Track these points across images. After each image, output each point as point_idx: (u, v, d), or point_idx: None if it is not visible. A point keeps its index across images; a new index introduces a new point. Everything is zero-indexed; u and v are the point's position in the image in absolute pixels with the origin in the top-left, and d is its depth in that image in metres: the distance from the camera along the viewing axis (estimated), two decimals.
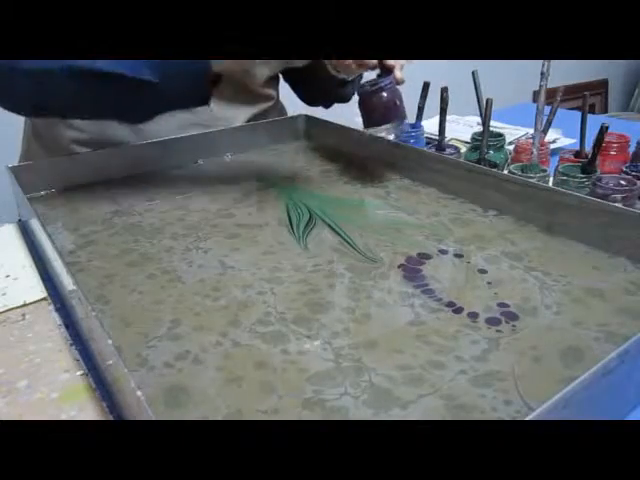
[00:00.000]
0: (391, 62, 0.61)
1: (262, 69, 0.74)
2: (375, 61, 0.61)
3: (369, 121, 0.64)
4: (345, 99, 0.83)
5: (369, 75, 0.66)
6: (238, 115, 0.77)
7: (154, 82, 0.49)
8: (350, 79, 0.74)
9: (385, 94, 0.61)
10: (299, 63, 0.64)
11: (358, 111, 0.65)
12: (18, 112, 0.56)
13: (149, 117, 0.58)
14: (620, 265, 0.47)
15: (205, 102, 0.54)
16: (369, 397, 0.33)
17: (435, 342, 0.38)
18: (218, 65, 0.62)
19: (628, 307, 0.41)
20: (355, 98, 0.81)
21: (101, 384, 0.37)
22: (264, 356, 0.37)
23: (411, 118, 0.70)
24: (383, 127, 0.63)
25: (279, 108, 0.86)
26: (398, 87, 0.63)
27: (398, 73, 0.62)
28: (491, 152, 0.69)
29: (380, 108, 0.62)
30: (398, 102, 0.62)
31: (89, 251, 0.51)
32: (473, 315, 0.40)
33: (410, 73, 0.66)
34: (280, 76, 0.84)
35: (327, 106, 0.87)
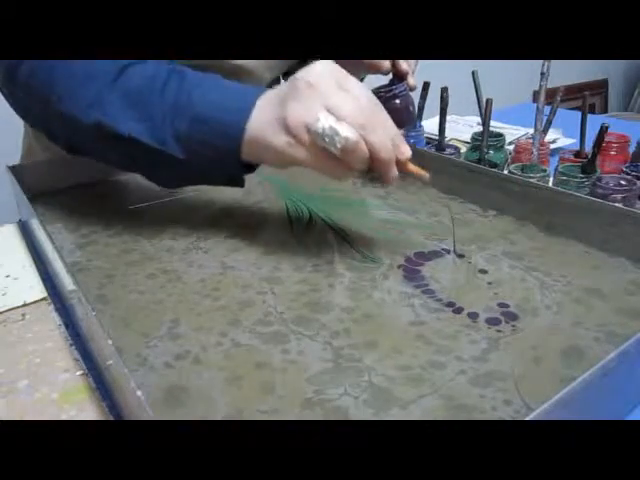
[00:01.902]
0: (404, 68, 0.61)
1: (265, 73, 0.74)
2: (388, 66, 0.61)
3: None
4: None
5: (371, 79, 0.66)
6: None
7: (177, 157, 0.46)
8: None
9: (399, 101, 0.62)
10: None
11: None
12: (57, 144, 0.55)
13: (176, 187, 0.56)
14: (620, 265, 0.47)
15: (239, 184, 0.50)
16: (369, 397, 0.33)
17: (435, 342, 0.38)
18: (222, 67, 0.62)
19: (628, 307, 0.41)
20: None
21: (101, 384, 0.37)
22: (264, 356, 0.37)
23: None
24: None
25: None
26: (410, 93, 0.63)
27: (411, 79, 0.62)
28: (491, 152, 0.69)
29: (394, 114, 0.62)
30: (411, 108, 0.63)
31: (89, 251, 0.51)
32: (473, 315, 0.40)
33: None
34: (281, 77, 0.84)
35: None
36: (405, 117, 0.63)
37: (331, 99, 0.41)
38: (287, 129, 0.42)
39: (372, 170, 0.44)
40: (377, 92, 0.63)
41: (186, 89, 0.45)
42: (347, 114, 0.41)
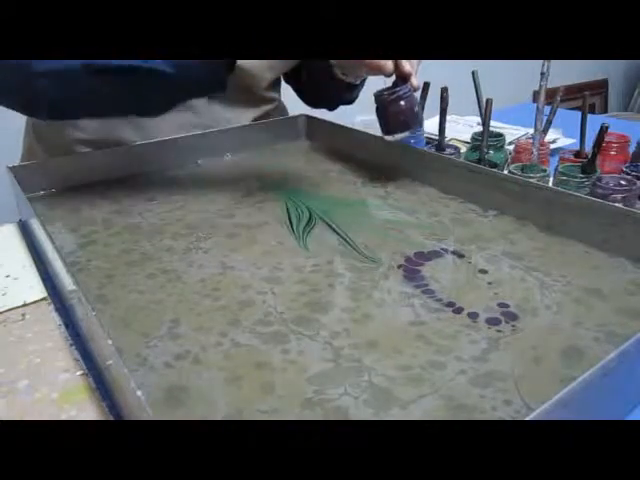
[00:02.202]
0: (407, 69, 0.61)
1: (266, 73, 0.74)
2: (391, 68, 0.61)
3: (388, 129, 0.64)
4: (350, 101, 0.83)
5: (374, 81, 0.66)
6: (241, 117, 0.77)
7: (169, 72, 0.48)
8: (358, 82, 0.74)
9: (403, 102, 0.62)
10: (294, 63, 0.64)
11: (358, 111, 0.65)
12: (35, 115, 0.56)
13: (167, 108, 0.58)
14: (620, 265, 0.47)
15: (222, 88, 0.54)
16: (369, 397, 0.33)
17: (435, 342, 0.38)
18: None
19: (628, 307, 0.41)
20: (357, 98, 0.82)
21: (101, 384, 0.37)
22: (264, 356, 0.37)
23: None
24: (402, 134, 0.64)
25: (281, 109, 0.86)
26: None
27: (414, 80, 0.62)
28: (491, 152, 0.69)
29: (399, 116, 0.63)
30: (416, 109, 0.63)
31: (89, 251, 0.51)
32: (473, 315, 0.40)
33: None
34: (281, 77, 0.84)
35: (332, 108, 0.87)
36: (410, 118, 0.63)
37: None
38: None
39: None
40: (381, 94, 0.63)
41: None
42: None
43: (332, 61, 0.71)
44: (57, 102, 0.53)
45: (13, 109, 0.55)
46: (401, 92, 0.61)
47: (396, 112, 0.62)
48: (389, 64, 0.61)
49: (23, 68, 0.49)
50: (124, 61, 0.48)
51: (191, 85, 0.53)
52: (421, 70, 0.65)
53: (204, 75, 0.51)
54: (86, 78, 0.48)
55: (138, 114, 0.61)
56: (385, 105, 0.63)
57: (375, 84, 0.66)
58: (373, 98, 0.65)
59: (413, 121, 0.63)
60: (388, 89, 0.62)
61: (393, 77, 0.63)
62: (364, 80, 0.75)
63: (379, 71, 0.62)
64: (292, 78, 0.85)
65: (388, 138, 0.65)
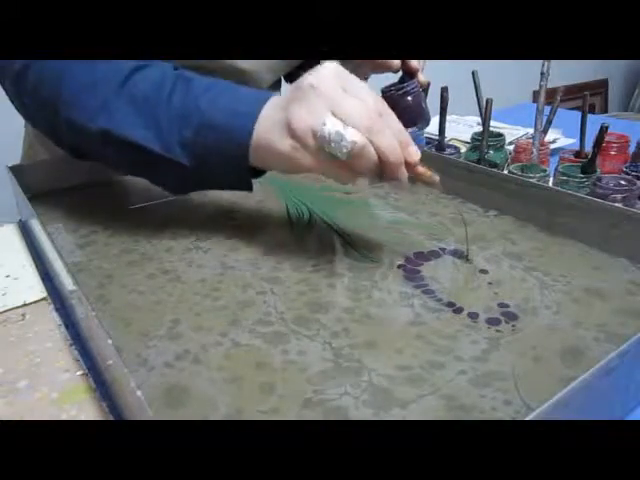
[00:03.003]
0: (414, 65, 0.61)
1: (266, 74, 0.74)
2: (398, 64, 0.61)
3: None
4: None
5: (380, 78, 0.66)
6: None
7: (185, 165, 0.46)
8: None
9: (411, 98, 0.61)
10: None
11: None
12: (65, 151, 0.55)
13: (183, 193, 0.55)
14: (620, 265, 0.47)
15: (246, 188, 0.48)
16: (369, 397, 0.33)
17: (435, 342, 0.38)
18: (222, 68, 0.62)
19: (628, 307, 0.41)
20: None
21: (101, 384, 0.37)
22: (264, 356, 0.37)
23: None
24: (409, 130, 0.63)
25: None
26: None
27: (422, 76, 0.62)
28: (491, 152, 0.69)
29: (407, 112, 0.62)
30: (424, 105, 0.63)
31: (89, 251, 0.51)
32: (473, 315, 0.40)
33: None
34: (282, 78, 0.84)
35: None
36: (418, 114, 0.63)
37: (337, 103, 0.40)
38: (292, 134, 0.41)
39: (381, 173, 0.43)
40: (388, 90, 0.63)
41: (193, 95, 0.45)
42: (353, 117, 0.40)
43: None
44: (80, 150, 0.52)
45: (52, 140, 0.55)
46: (409, 87, 0.61)
47: (404, 108, 0.62)
48: (396, 60, 0.60)
49: (48, 110, 0.48)
50: (139, 137, 0.45)
51: (209, 181, 0.49)
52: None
53: (224, 174, 0.47)
54: (103, 143, 0.47)
55: (156, 185, 0.58)
56: (393, 101, 0.63)
57: (379, 82, 0.66)
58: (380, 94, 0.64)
59: (421, 117, 0.63)
60: (395, 85, 0.62)
61: (399, 73, 0.63)
62: (366, 78, 0.75)
63: (386, 68, 0.62)
64: (294, 79, 0.85)
65: None
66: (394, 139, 0.42)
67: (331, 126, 0.39)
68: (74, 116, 0.47)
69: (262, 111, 0.43)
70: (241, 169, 0.46)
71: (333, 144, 0.39)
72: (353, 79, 0.43)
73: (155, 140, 0.45)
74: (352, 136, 0.39)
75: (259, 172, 0.48)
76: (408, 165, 0.43)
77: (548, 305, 0.41)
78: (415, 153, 0.44)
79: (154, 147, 0.45)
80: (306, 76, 0.42)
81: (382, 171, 0.43)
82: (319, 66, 0.43)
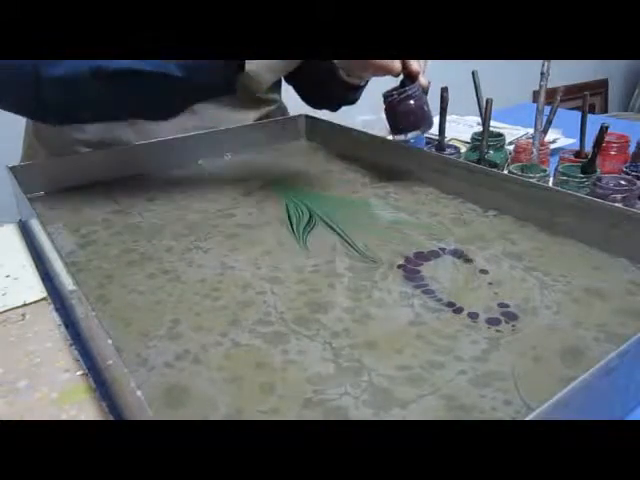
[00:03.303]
0: (415, 68, 0.61)
1: (267, 75, 0.74)
2: (399, 68, 0.61)
3: (398, 128, 0.64)
4: (352, 102, 0.83)
5: (381, 82, 0.66)
6: (242, 119, 0.77)
7: (178, 76, 0.48)
8: (363, 84, 0.74)
9: (413, 101, 0.62)
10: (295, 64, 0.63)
11: (359, 111, 0.65)
12: (43, 121, 0.55)
13: (176, 111, 0.57)
14: (620, 265, 0.47)
15: (232, 91, 0.53)
16: (369, 397, 0.33)
17: (435, 342, 0.38)
18: None
19: (628, 307, 0.41)
20: (359, 99, 0.81)
21: (101, 384, 0.37)
22: (264, 356, 0.37)
23: None
24: (411, 134, 0.63)
25: (281, 110, 0.86)
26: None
27: (423, 79, 0.62)
28: (491, 152, 0.69)
29: (409, 115, 0.63)
30: (426, 107, 0.63)
31: (89, 251, 0.51)
32: (473, 315, 0.40)
33: None
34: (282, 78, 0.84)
35: (334, 109, 0.87)
36: (420, 118, 0.63)
37: None
38: None
39: None
40: (390, 95, 0.63)
41: None
42: None
43: (336, 63, 0.71)
44: (66, 108, 0.53)
45: (20, 114, 0.55)
46: (410, 91, 0.61)
47: (406, 111, 0.62)
48: (397, 64, 0.60)
49: (30, 74, 0.48)
50: (134, 64, 0.47)
51: (200, 88, 0.52)
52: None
53: (213, 78, 0.50)
54: (95, 83, 0.48)
55: (147, 118, 0.60)
56: (395, 105, 0.63)
57: (378, 83, 0.66)
58: (378, 98, 0.64)
59: (423, 120, 0.63)
60: (397, 89, 0.62)
61: (400, 77, 0.63)
62: (367, 81, 0.75)
63: (387, 71, 0.62)
64: (294, 79, 0.85)
65: (399, 138, 0.65)
66: None
67: None
68: (58, 71, 0.47)
69: None
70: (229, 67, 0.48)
71: None
72: None
73: (148, 62, 0.47)
74: None
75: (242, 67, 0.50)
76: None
77: (548, 305, 0.41)
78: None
79: (149, 68, 0.47)
80: None
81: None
82: None
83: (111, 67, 0.47)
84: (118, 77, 0.47)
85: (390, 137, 0.68)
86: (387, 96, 0.63)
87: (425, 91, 0.64)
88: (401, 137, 0.64)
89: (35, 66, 0.48)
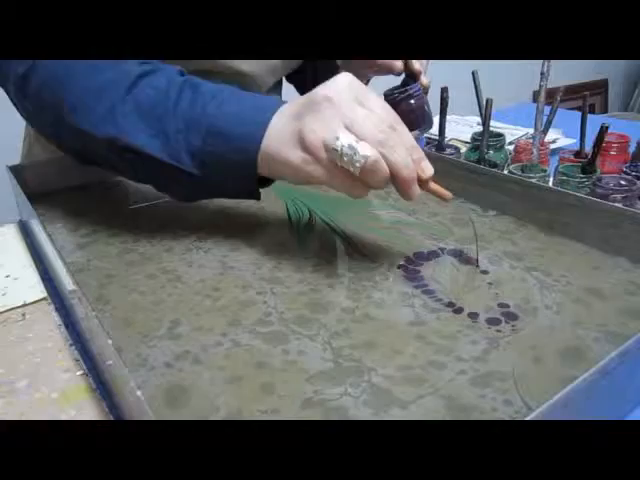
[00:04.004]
0: (417, 68, 0.61)
1: (267, 76, 0.74)
2: (401, 67, 0.60)
3: None
4: None
5: (382, 81, 0.66)
6: None
7: (194, 174, 0.45)
8: (364, 83, 0.74)
9: (413, 101, 0.62)
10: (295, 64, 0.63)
11: None
12: (67, 154, 0.55)
13: (190, 200, 0.53)
14: (620, 265, 0.47)
15: (255, 197, 0.48)
16: (369, 397, 0.33)
17: (435, 342, 0.38)
18: (224, 71, 0.62)
19: (628, 307, 0.41)
20: None
21: (101, 384, 0.37)
22: (264, 356, 0.37)
23: None
24: (412, 133, 0.63)
25: None
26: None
27: (424, 79, 0.62)
28: (491, 152, 0.69)
29: (409, 115, 0.62)
30: (426, 107, 0.63)
31: (89, 251, 0.51)
32: (473, 315, 0.40)
33: None
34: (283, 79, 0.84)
35: None
36: (421, 118, 0.63)
37: (350, 115, 0.40)
38: (304, 146, 0.40)
39: (393, 187, 0.42)
40: (391, 93, 0.63)
41: (200, 102, 0.44)
42: (367, 131, 0.39)
43: (338, 62, 0.70)
44: (85, 157, 0.52)
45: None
46: (412, 90, 0.61)
47: (407, 111, 0.62)
48: (398, 63, 0.60)
49: (52, 117, 0.48)
50: (145, 145, 0.45)
51: (217, 189, 0.48)
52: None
53: (232, 182, 0.46)
54: (108, 151, 0.46)
55: (163, 192, 0.55)
56: (396, 104, 0.63)
57: (379, 82, 0.66)
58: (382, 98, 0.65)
59: (424, 120, 0.63)
60: (398, 88, 0.62)
61: (401, 76, 0.63)
62: (368, 81, 0.75)
63: (388, 70, 0.61)
64: (295, 79, 0.85)
65: None
66: (407, 154, 0.41)
67: (344, 140, 0.38)
68: (78, 122, 0.46)
69: (272, 120, 0.43)
70: (249, 178, 0.45)
71: (345, 158, 0.39)
72: (367, 92, 0.42)
73: (162, 148, 0.44)
74: (365, 150, 0.38)
75: (267, 181, 0.47)
76: (421, 181, 0.43)
77: (548, 305, 0.41)
78: (428, 169, 0.43)
79: (161, 155, 0.44)
80: (321, 87, 0.41)
81: (394, 185, 0.42)
82: (334, 77, 0.42)
83: (126, 143, 0.45)
84: (128, 152, 0.45)
85: None
86: (388, 95, 0.63)
87: (426, 91, 0.64)
88: None
89: (60, 109, 0.47)
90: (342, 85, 0.41)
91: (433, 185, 0.44)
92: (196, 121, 0.44)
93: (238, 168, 0.44)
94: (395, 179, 0.41)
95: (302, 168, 0.41)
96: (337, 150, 0.39)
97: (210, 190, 0.49)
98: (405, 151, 0.41)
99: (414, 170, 0.41)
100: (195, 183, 0.46)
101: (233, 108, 0.44)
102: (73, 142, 0.50)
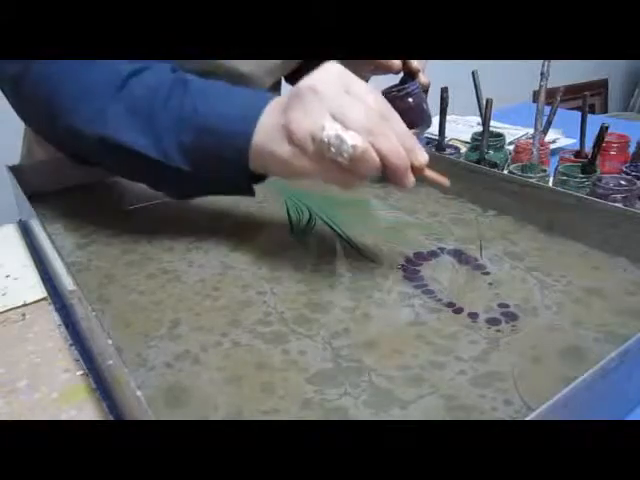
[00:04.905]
0: (416, 66, 0.61)
1: (266, 77, 0.74)
2: (399, 65, 0.60)
3: None
4: None
5: (380, 79, 0.66)
6: None
7: (185, 170, 0.44)
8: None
9: (412, 99, 0.61)
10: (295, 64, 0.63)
11: None
12: (62, 153, 0.55)
13: (185, 198, 0.53)
14: (620, 265, 0.47)
15: (248, 194, 0.48)
16: (369, 397, 0.33)
17: (435, 342, 0.38)
18: (221, 71, 0.62)
19: (628, 307, 0.41)
20: None
21: (101, 384, 0.37)
22: (264, 356, 0.37)
23: None
24: (411, 132, 0.63)
25: None
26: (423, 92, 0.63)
27: (423, 77, 0.62)
28: (491, 152, 0.69)
29: (407, 113, 0.62)
30: (425, 106, 0.62)
31: (89, 251, 0.51)
32: (473, 315, 0.40)
33: None
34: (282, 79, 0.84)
35: None
36: (419, 116, 0.62)
37: (336, 105, 0.39)
38: (291, 139, 0.40)
39: (386, 177, 0.41)
40: (389, 91, 0.62)
41: (190, 99, 0.44)
42: (354, 120, 0.38)
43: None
44: (79, 155, 0.52)
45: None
46: (410, 89, 0.61)
47: (405, 109, 0.62)
48: (396, 61, 0.60)
49: (48, 114, 0.48)
50: (136, 143, 0.44)
51: (210, 185, 0.48)
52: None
53: (224, 178, 0.45)
54: (100, 149, 0.46)
55: (155, 190, 0.54)
56: (393, 102, 0.62)
57: (378, 81, 0.66)
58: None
59: (422, 118, 0.63)
60: (396, 86, 0.62)
61: (400, 75, 0.62)
62: (367, 79, 0.75)
63: (386, 69, 0.61)
64: (294, 79, 0.85)
65: None
66: (397, 142, 0.40)
67: (330, 130, 0.38)
68: (71, 122, 0.46)
69: (261, 115, 0.42)
70: (241, 174, 0.45)
71: (333, 149, 0.38)
72: (356, 80, 0.41)
73: (153, 146, 0.44)
74: (352, 140, 0.37)
75: (260, 177, 0.47)
76: (415, 168, 0.41)
77: (548, 305, 0.41)
78: (422, 155, 0.42)
79: (152, 153, 0.44)
80: (307, 78, 0.41)
81: (386, 174, 0.41)
82: (321, 67, 0.41)
83: (117, 142, 0.44)
84: (120, 150, 0.45)
85: None
86: (386, 93, 0.63)
87: (425, 90, 0.64)
88: None
89: (53, 109, 0.47)
90: (328, 74, 0.40)
91: (428, 172, 0.43)
92: (186, 118, 0.44)
93: (230, 165, 0.44)
94: (386, 168, 0.40)
95: (290, 161, 0.41)
96: (324, 141, 0.38)
97: (203, 187, 0.49)
98: (395, 139, 0.40)
99: (405, 158, 0.40)
100: (187, 180, 0.46)
101: (223, 105, 0.44)
102: (67, 142, 0.50)
